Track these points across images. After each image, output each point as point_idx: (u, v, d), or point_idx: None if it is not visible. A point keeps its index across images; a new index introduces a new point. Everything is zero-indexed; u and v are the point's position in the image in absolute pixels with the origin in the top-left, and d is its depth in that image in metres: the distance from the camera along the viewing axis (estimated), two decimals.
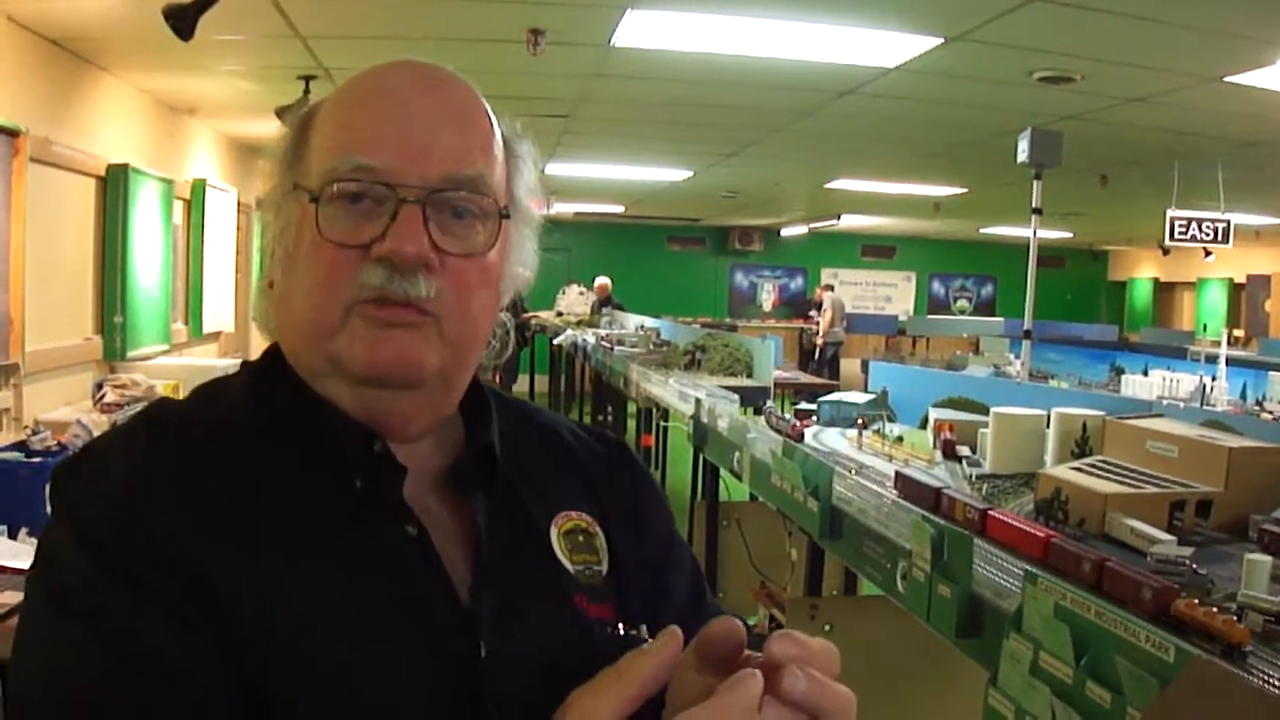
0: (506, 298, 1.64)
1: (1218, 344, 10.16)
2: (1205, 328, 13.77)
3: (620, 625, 1.59)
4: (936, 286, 29.10)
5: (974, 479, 4.14)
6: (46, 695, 1.30)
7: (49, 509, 1.42)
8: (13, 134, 6.85)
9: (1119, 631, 2.00)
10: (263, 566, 1.37)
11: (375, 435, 1.51)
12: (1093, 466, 3.64)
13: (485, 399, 1.67)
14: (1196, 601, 2.21)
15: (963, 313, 28.60)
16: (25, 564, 4.57)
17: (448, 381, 1.57)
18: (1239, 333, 20.22)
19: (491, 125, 1.58)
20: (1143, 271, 28.06)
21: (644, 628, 1.60)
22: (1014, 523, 3.03)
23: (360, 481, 1.48)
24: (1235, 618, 2.19)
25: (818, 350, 22.83)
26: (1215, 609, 2.18)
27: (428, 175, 1.47)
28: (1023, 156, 7.32)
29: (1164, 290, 27.44)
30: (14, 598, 4.09)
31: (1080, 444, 3.95)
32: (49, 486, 1.43)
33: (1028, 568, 2.50)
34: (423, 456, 1.58)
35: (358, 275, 1.45)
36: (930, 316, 27.49)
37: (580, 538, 1.66)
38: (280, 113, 9.03)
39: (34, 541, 5.19)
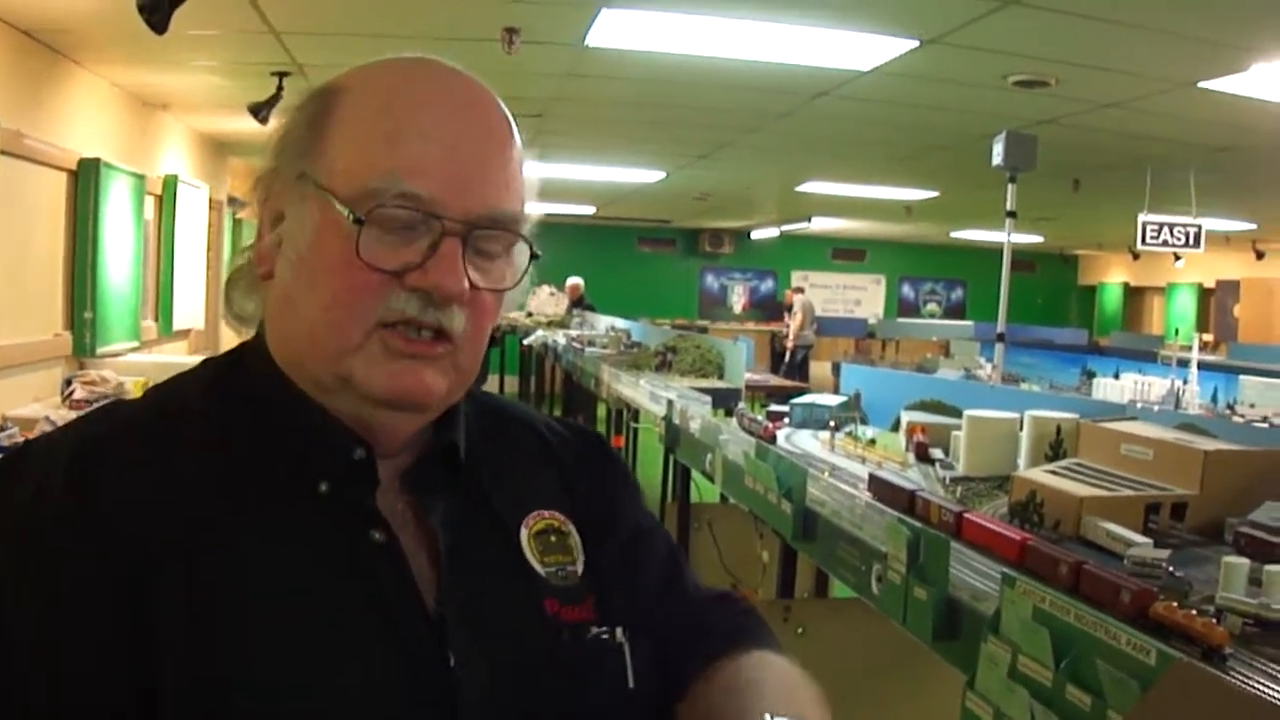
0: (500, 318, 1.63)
1: (1188, 348, 10.18)
2: (1177, 332, 13.79)
3: (594, 629, 1.58)
4: (906, 290, 29.16)
5: (947, 481, 4.14)
6: None
7: None
8: None
9: (1099, 634, 2.00)
10: (213, 576, 1.35)
11: (357, 441, 1.49)
12: (1067, 469, 3.65)
13: None
14: (1175, 604, 2.20)
15: (932, 316, 28.67)
16: None
17: (447, 403, 1.57)
18: (1208, 337, 20.30)
19: (519, 145, 1.57)
20: (1113, 276, 28.17)
21: (619, 630, 1.59)
22: (990, 525, 3.03)
23: (325, 485, 1.46)
24: (1214, 620, 2.19)
25: (788, 354, 22.80)
26: (1194, 611, 2.18)
27: (470, 209, 1.46)
28: (997, 160, 7.32)
29: (1134, 295, 27.56)
30: None
31: (1054, 447, 3.95)
32: None
33: (1005, 570, 2.49)
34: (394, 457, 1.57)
35: (386, 299, 1.44)
36: (900, 320, 27.53)
37: (553, 538, 1.65)
38: (254, 109, 9.01)
39: None
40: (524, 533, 1.63)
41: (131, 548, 1.34)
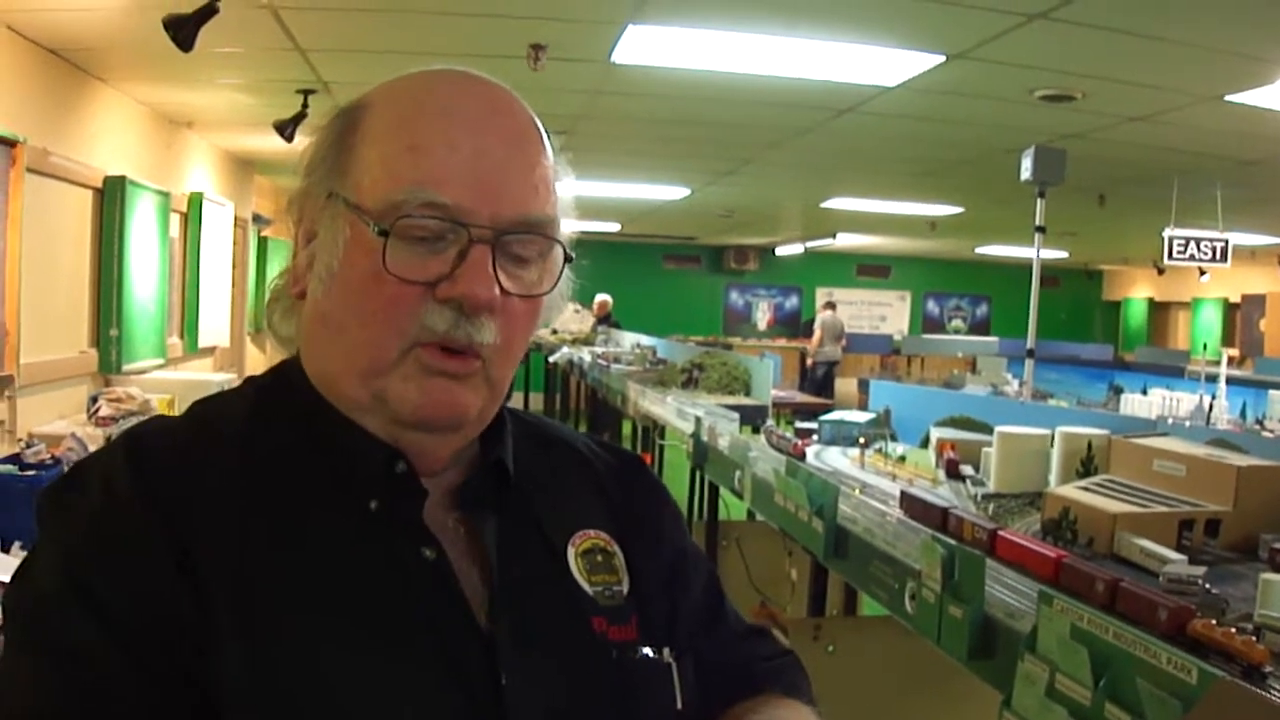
0: (540, 328, 1.62)
1: (1215, 363, 10.14)
2: (1205, 347, 13.74)
3: (641, 648, 1.57)
4: (931, 306, 29.14)
5: (979, 498, 4.11)
6: (4, 708, 1.30)
7: (37, 531, 1.41)
8: (10, 143, 6.82)
9: (1139, 653, 1.97)
10: (262, 602, 1.35)
11: (398, 455, 1.48)
12: (1099, 485, 3.62)
13: (501, 416, 1.64)
14: (1214, 622, 2.18)
15: (957, 332, 28.63)
16: None
17: (481, 421, 1.56)
18: (1233, 352, 20.23)
19: (549, 152, 1.56)
20: (1138, 291, 28.12)
21: (666, 650, 1.58)
22: (1024, 543, 3.00)
23: (375, 502, 1.46)
24: (1253, 638, 2.16)
25: (808, 370, 22.76)
26: (1233, 629, 2.16)
27: (499, 215, 1.45)
28: (1026, 174, 7.30)
29: (1159, 310, 27.51)
30: None
31: (1085, 463, 3.92)
32: (35, 510, 1.42)
33: (1041, 588, 2.47)
34: (439, 474, 1.56)
35: (420, 315, 1.43)
36: (925, 336, 27.50)
37: (599, 557, 1.64)
38: (279, 126, 9.02)
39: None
40: (571, 551, 1.62)
41: (193, 547, 1.35)
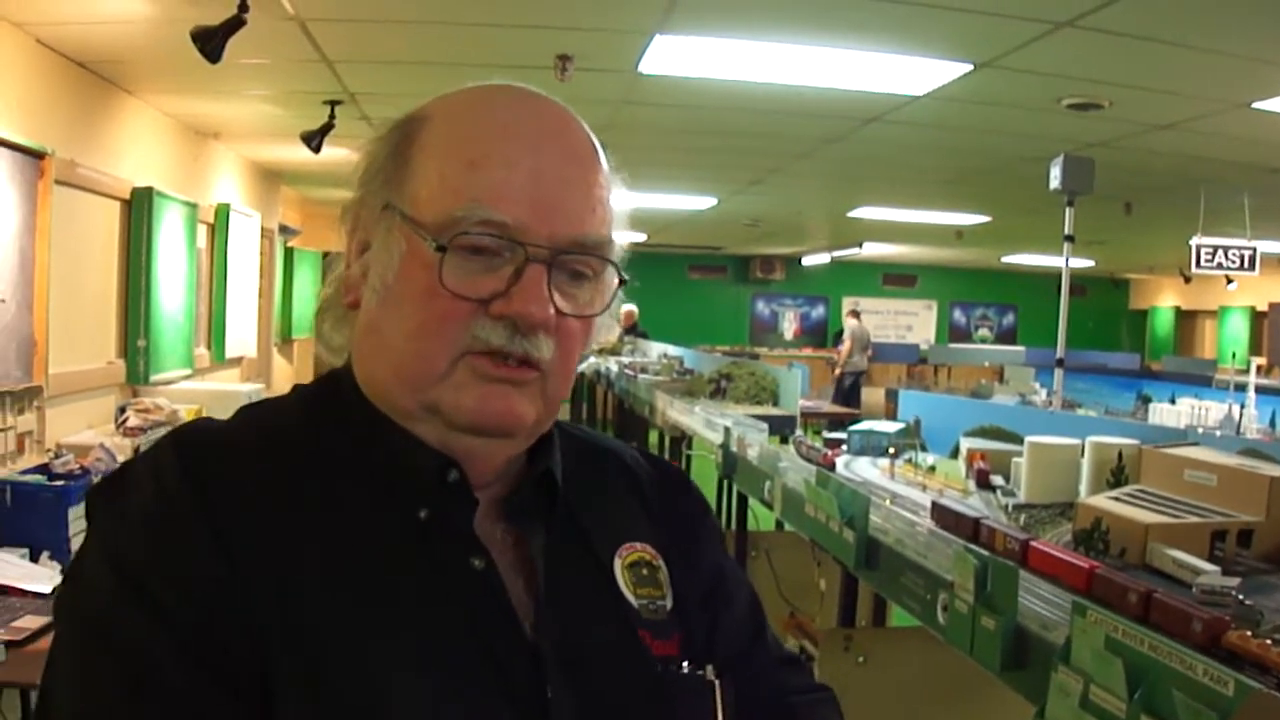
0: (593, 344, 1.63)
1: (1244, 372, 10.09)
2: (1234, 355, 13.69)
3: (685, 663, 1.57)
4: (958, 315, 29.13)
5: (1010, 509, 4.09)
6: (64, 711, 1.31)
7: (86, 529, 1.42)
8: (39, 155, 6.85)
9: (1174, 664, 1.96)
10: (308, 603, 1.35)
11: (451, 464, 1.47)
12: (1131, 496, 3.59)
13: (549, 428, 1.64)
14: (1249, 634, 2.16)
15: (984, 341, 28.59)
16: (47, 588, 4.56)
17: (535, 432, 1.56)
18: (1260, 360, 20.16)
19: (606, 171, 1.58)
20: (1164, 300, 28.05)
21: (710, 667, 1.57)
22: (1056, 553, 2.98)
23: (425, 511, 1.45)
24: None
25: (836, 380, 22.72)
26: (1269, 641, 2.14)
27: (556, 235, 1.45)
28: (1055, 183, 7.27)
29: (1185, 318, 27.44)
30: (35, 622, 4.06)
31: (1115, 473, 3.89)
32: (84, 508, 1.44)
33: (1075, 599, 2.45)
34: (488, 484, 1.55)
35: (471, 328, 1.43)
36: (952, 345, 27.47)
37: (644, 570, 1.64)
38: (306, 137, 9.02)
39: (56, 565, 5.19)
40: (618, 564, 1.62)
41: (242, 547, 1.35)
